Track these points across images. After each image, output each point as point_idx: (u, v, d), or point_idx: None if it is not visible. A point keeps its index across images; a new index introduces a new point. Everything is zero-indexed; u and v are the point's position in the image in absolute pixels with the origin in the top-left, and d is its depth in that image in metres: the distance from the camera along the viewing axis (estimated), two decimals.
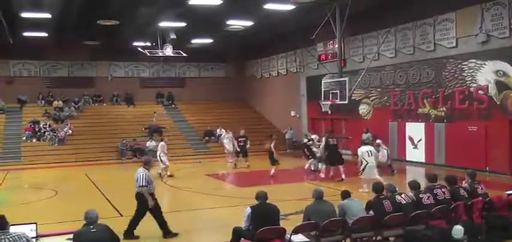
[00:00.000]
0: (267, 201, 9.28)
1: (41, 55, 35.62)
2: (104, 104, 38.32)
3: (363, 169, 17.26)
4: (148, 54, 31.07)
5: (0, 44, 30.51)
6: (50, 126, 32.93)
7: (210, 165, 26.04)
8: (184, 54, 31.61)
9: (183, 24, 26.91)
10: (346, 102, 25.17)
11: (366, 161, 17.23)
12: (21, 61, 36.42)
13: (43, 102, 36.53)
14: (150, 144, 29.57)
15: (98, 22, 26.67)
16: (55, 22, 25.44)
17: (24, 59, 36.08)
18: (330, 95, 25.78)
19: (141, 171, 11.94)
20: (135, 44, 32.17)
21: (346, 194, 9.98)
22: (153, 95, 39.58)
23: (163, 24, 27.08)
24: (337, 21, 24.45)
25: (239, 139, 25.97)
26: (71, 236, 7.87)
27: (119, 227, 10.30)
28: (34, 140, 31.27)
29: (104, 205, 16.24)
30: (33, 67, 37.30)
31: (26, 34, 28.85)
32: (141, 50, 31.51)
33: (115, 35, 30.02)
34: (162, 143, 22.73)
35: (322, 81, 26.94)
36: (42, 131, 32.27)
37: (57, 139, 31.47)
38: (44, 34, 28.81)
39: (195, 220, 14.17)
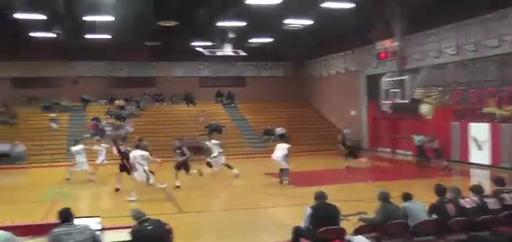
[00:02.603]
0: (327, 201, 9.20)
1: (103, 56, 36.45)
2: (164, 103, 38.90)
3: None
4: (207, 54, 31.32)
5: (67, 46, 31.45)
6: (112, 124, 33.71)
7: (270, 163, 25.95)
8: (243, 53, 31.71)
9: (242, 23, 26.99)
10: (406, 101, 24.72)
11: None
12: (85, 62, 37.38)
13: (105, 100, 37.45)
14: (209, 143, 29.76)
15: (158, 23, 27.10)
16: (117, 24, 25.95)
17: (88, 60, 36.99)
18: (390, 94, 25.39)
19: None
20: (195, 43, 32.47)
21: (408, 197, 9.74)
22: (212, 94, 39.92)
23: (222, 23, 27.22)
24: (397, 18, 24.00)
25: None
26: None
27: (177, 223, 10.37)
28: (96, 137, 32.01)
29: (163, 201, 16.47)
30: (96, 68, 38.28)
31: (89, 36, 29.57)
32: (200, 49, 31.79)
33: (175, 36, 30.40)
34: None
35: (382, 80, 26.54)
36: (105, 129, 33.02)
37: (119, 137, 32.07)
38: (107, 36, 29.44)
39: (254, 219, 14.19)
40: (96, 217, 8.70)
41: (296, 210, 11.80)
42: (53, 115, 34.53)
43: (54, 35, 28.20)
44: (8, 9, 22.61)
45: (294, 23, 27.88)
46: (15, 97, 36.36)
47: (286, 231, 9.55)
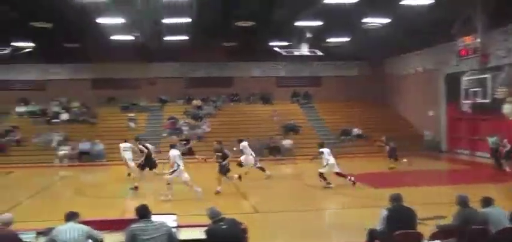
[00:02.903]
0: (403, 203, 8.99)
1: (181, 57, 37.04)
2: (241, 103, 39.23)
3: None
4: (284, 54, 31.32)
5: (145, 48, 32.27)
6: (188, 123, 34.33)
7: (346, 164, 25.63)
8: (320, 53, 31.50)
9: (318, 23, 26.79)
10: (488, 100, 23.83)
11: None
12: (163, 63, 38.16)
13: (182, 101, 38.17)
14: (286, 142, 29.81)
15: (235, 24, 27.34)
16: (194, 26, 26.34)
17: (165, 61, 37.72)
18: (471, 93, 24.57)
19: None
20: (272, 43, 32.54)
21: (488, 202, 9.33)
22: (289, 94, 39.92)
23: (299, 23, 27.12)
24: (479, 12, 23.12)
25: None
26: None
27: (253, 223, 10.40)
28: (174, 137, 32.67)
29: (240, 201, 16.60)
30: (173, 69, 39.01)
31: (167, 38, 30.19)
32: (277, 49, 31.82)
33: (251, 36, 30.55)
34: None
35: (462, 79, 25.69)
36: (181, 129, 33.68)
37: (195, 137, 32.68)
38: (184, 38, 29.95)
39: (328, 220, 14.08)
40: (172, 214, 8.87)
41: (371, 212, 11.60)
42: (131, 115, 35.53)
43: (133, 38, 29.00)
44: (91, 15, 23.48)
45: (371, 21, 27.42)
46: (95, 98, 37.79)
47: (360, 233, 9.41)
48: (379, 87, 40.01)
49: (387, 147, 26.08)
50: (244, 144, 22.80)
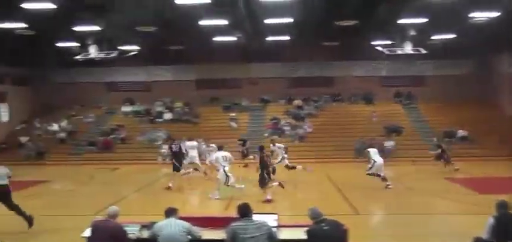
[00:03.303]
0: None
1: (282, 57, 37.10)
2: (343, 103, 38.79)
3: None
4: (386, 53, 30.65)
5: (247, 49, 32.68)
6: (290, 123, 34.41)
7: (446, 168, 24.75)
8: (424, 51, 30.51)
9: (423, 19, 25.92)
10: None
11: None
12: (264, 64, 38.35)
13: (284, 101, 38.30)
14: (389, 143, 29.20)
15: (336, 23, 27.08)
16: (296, 26, 26.36)
17: (267, 61, 37.93)
18: None
19: None
20: (374, 42, 31.91)
21: None
22: (391, 94, 39.00)
23: (403, 21, 26.37)
24: None
25: None
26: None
27: (353, 225, 10.23)
28: (275, 137, 32.78)
29: (340, 202, 16.42)
30: (275, 69, 39.10)
31: (269, 39, 30.40)
32: (379, 48, 31.18)
33: (353, 35, 30.09)
34: None
35: None
36: (283, 128, 33.81)
37: (297, 137, 32.70)
38: (286, 38, 30.03)
39: (431, 225, 13.58)
40: (273, 214, 8.89)
41: (476, 219, 11.08)
42: (233, 114, 36.06)
43: (236, 39, 29.44)
44: (194, 18, 24.08)
45: (479, 15, 26.13)
46: (198, 98, 38.72)
47: (464, 240, 9.02)
48: (487, 86, 38.07)
49: (439, 151, 25.53)
50: (280, 145, 22.92)
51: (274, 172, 19.38)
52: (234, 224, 7.63)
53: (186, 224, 8.12)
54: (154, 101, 38.85)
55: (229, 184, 17.36)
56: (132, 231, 8.70)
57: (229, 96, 38.41)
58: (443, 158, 25.12)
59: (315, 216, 7.96)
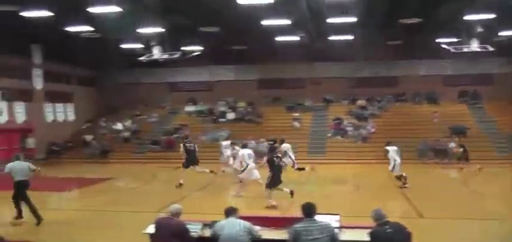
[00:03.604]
0: None
1: (345, 56, 36.60)
2: (406, 103, 37.97)
3: None
4: (452, 51, 29.79)
5: (310, 49, 32.46)
6: (353, 124, 34.01)
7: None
8: (491, 48, 29.43)
9: (491, 15, 24.98)
10: None
11: None
12: (327, 63, 37.98)
13: (347, 101, 37.88)
14: (453, 145, 28.44)
15: (400, 21, 26.57)
16: (359, 25, 26.01)
17: (330, 61, 37.53)
18: None
19: None
20: (438, 40, 31.10)
21: None
22: (456, 93, 37.84)
23: (469, 17, 25.52)
24: None
25: None
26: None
27: (417, 228, 9.92)
28: (338, 137, 32.48)
29: (403, 204, 16.04)
30: (338, 69, 38.68)
31: (332, 38, 30.13)
32: (444, 46, 30.35)
33: (417, 33, 29.48)
34: None
35: None
36: (346, 129, 33.45)
37: (360, 137, 32.27)
38: (349, 37, 29.68)
39: (499, 232, 13.02)
40: (335, 214, 8.73)
41: None
42: (295, 114, 35.89)
43: (298, 38, 29.29)
44: (257, 18, 24.11)
45: None
46: (261, 98, 38.83)
47: None
48: None
49: (461, 149, 25.21)
50: (287, 145, 22.70)
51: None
52: (297, 225, 7.54)
53: (247, 223, 8.08)
54: (216, 101, 39.19)
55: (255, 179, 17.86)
56: (194, 229, 8.76)
57: (291, 96, 38.28)
58: (465, 158, 25.09)
59: (379, 218, 7.78)
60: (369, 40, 31.84)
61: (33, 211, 13.94)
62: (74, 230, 13.54)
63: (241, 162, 18.58)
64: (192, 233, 8.57)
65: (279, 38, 29.58)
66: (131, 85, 40.82)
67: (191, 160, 21.44)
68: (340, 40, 30.43)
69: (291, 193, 16.56)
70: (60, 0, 21.13)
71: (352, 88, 38.52)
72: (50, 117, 36.22)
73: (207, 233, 8.59)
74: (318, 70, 38.62)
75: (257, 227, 8.25)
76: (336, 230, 7.91)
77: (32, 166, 14.68)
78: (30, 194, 14.11)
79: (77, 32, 27.49)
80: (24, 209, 14.15)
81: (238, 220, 8.12)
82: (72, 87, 38.98)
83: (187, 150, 21.55)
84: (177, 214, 8.58)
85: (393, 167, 19.63)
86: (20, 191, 14.19)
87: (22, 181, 14.23)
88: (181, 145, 22.32)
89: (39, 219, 13.88)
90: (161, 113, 39.67)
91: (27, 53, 33.44)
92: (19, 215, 14.26)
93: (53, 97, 36.60)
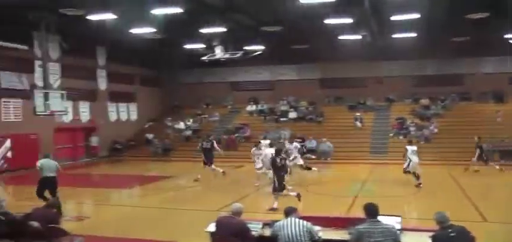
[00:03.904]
0: None
1: (408, 54, 35.74)
2: (471, 102, 36.86)
3: None
4: None
5: (372, 47, 32.02)
6: (416, 124, 33.38)
7: None
8: None
9: None
10: None
11: None
12: (390, 61, 37.39)
13: (410, 100, 37.18)
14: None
15: (466, 16, 25.83)
16: (423, 21, 25.48)
17: (392, 59, 36.95)
18: None
19: None
20: (507, 36, 30.07)
21: None
22: None
23: None
24: None
25: None
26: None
27: (482, 233, 9.64)
28: (400, 137, 31.93)
29: (466, 207, 15.64)
30: (401, 67, 37.98)
31: (395, 36, 29.65)
32: None
33: (484, 29, 28.54)
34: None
35: None
36: (409, 129, 32.88)
37: (423, 137, 31.64)
38: (412, 34, 29.12)
39: None
40: (397, 216, 8.61)
41: None
42: (357, 114, 35.51)
43: (360, 37, 28.98)
44: (319, 16, 24.02)
45: None
46: (322, 97, 38.70)
47: None
48: None
49: (477, 150, 24.23)
50: (296, 144, 22.73)
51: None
52: (360, 227, 7.42)
53: (307, 223, 8.03)
54: (277, 100, 39.25)
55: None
56: (255, 228, 8.78)
57: (353, 95, 37.95)
58: (483, 158, 24.20)
59: (442, 221, 7.57)
60: (433, 37, 31.16)
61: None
62: (134, 226, 13.86)
63: (263, 161, 19.41)
64: (253, 233, 8.57)
65: (341, 37, 29.36)
66: (193, 84, 41.46)
67: (205, 158, 22.45)
68: (403, 37, 29.88)
69: (298, 196, 15.62)
70: (124, 3, 21.66)
71: (415, 87, 37.75)
72: (113, 116, 37.26)
73: (267, 232, 8.59)
74: (380, 68, 38.05)
75: (317, 228, 8.19)
76: (397, 232, 7.77)
77: (58, 165, 16.25)
78: (94, 191, 14.54)
79: (140, 33, 28.14)
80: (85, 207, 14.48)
81: (298, 220, 8.07)
82: (135, 87, 39.89)
83: (203, 149, 22.63)
84: (238, 213, 8.64)
85: (408, 165, 20.05)
86: (47, 185, 15.64)
87: (50, 177, 15.72)
88: (199, 144, 23.51)
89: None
90: (223, 112, 40.09)
91: (92, 54, 34.51)
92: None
93: (117, 97, 37.65)
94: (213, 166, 22.45)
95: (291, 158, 20.79)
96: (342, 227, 8.46)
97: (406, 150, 20.57)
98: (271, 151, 18.36)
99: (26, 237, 9.46)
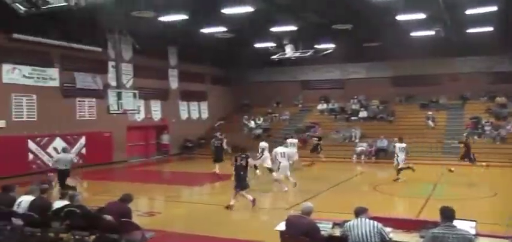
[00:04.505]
0: None
1: (484, 50, 34.33)
2: None
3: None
4: None
5: (446, 43, 31.11)
6: (491, 123, 32.28)
7: None
8: None
9: None
10: None
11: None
12: (464, 58, 36.08)
13: (485, 98, 35.94)
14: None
15: None
16: (500, 15, 24.57)
17: (467, 55, 35.64)
18: None
19: None
20: None
21: None
22: None
23: None
24: None
25: None
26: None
27: None
28: (475, 137, 30.95)
29: None
30: (476, 64, 36.60)
31: (470, 30, 28.75)
32: None
33: None
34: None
35: None
36: (484, 128, 31.86)
37: (499, 137, 30.58)
38: (489, 28, 28.13)
39: None
40: (471, 221, 8.34)
41: None
42: (430, 113, 34.63)
43: (434, 33, 28.28)
44: (390, 13, 23.63)
45: None
46: (393, 95, 38.01)
47: None
48: None
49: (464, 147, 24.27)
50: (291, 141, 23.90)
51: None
52: (434, 230, 7.20)
53: (378, 224, 7.90)
54: (348, 99, 38.90)
55: (274, 177, 19.69)
56: (325, 228, 8.72)
57: (425, 94, 36.97)
58: (468, 157, 23.85)
59: None
60: (510, 31, 29.95)
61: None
62: (203, 223, 14.03)
63: (272, 160, 20.20)
64: (322, 232, 8.51)
65: (413, 33, 28.78)
66: (263, 83, 41.62)
67: (215, 156, 24.02)
68: (478, 32, 28.87)
69: (253, 201, 15.72)
70: (194, 3, 22.02)
71: (490, 84, 36.23)
72: (184, 115, 37.94)
73: (337, 232, 8.52)
74: (453, 65, 36.79)
75: (388, 229, 8.06)
76: (472, 237, 7.52)
77: (74, 159, 18.96)
78: (165, 187, 14.80)
79: (210, 33, 28.53)
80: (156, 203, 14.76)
81: (369, 221, 7.94)
82: (205, 86, 40.42)
83: (215, 147, 24.21)
84: (308, 212, 8.61)
85: (397, 162, 21.68)
86: (62, 176, 17.55)
87: (62, 169, 17.71)
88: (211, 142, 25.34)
89: None
90: (293, 111, 40.10)
91: (163, 55, 35.32)
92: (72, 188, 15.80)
93: (188, 96, 38.28)
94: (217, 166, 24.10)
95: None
96: (413, 229, 8.30)
97: (395, 147, 22.51)
98: (281, 150, 19.97)
99: (100, 230, 9.81)
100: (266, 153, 22.39)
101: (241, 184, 15.84)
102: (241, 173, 15.94)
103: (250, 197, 15.89)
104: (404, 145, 22.07)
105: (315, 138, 31.43)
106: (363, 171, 26.21)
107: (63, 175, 17.63)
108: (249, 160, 16.98)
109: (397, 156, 21.61)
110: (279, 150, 19.88)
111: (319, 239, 8.34)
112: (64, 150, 19.07)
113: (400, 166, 21.52)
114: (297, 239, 8.28)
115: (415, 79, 37.47)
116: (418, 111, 36.24)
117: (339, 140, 33.55)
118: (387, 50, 34.49)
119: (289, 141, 24.64)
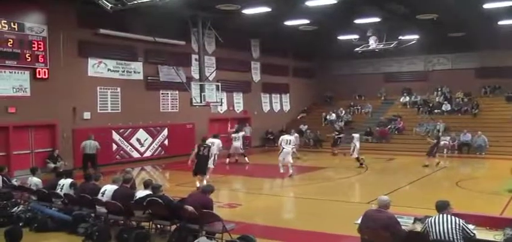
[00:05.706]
0: None
1: None
2: None
3: None
4: None
5: None
6: None
7: None
8: None
9: None
10: None
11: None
12: None
13: None
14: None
15: None
16: None
17: None
18: None
19: None
20: None
21: None
22: None
23: None
24: None
25: None
26: None
27: None
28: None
29: None
30: None
31: None
32: None
33: None
34: None
35: None
36: None
37: None
38: None
39: None
40: None
41: None
42: None
43: None
44: (478, 0, 22.85)
45: None
46: (478, 87, 36.73)
47: None
48: None
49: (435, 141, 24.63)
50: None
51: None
52: None
53: (460, 221, 7.74)
54: (431, 91, 38.03)
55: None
56: (406, 223, 8.61)
57: None
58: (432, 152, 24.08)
59: None
60: None
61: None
62: (284, 215, 14.19)
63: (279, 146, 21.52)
64: (403, 227, 8.39)
65: (501, 22, 27.66)
66: (345, 76, 41.41)
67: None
68: None
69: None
70: None
71: None
72: (266, 107, 38.23)
73: (418, 227, 8.40)
74: None
75: (471, 226, 7.87)
76: None
77: (98, 146, 22.10)
78: (247, 179, 15.05)
79: (293, 25, 28.56)
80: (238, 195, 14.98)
81: (452, 217, 7.80)
82: (287, 78, 40.48)
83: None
84: (385, 206, 8.48)
85: (353, 150, 24.12)
86: (90, 160, 21.52)
87: (90, 154, 21.72)
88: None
89: None
90: (375, 104, 39.61)
91: (246, 47, 35.69)
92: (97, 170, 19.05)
93: (270, 88, 38.51)
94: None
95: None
96: (497, 227, 8.05)
97: (353, 137, 24.64)
98: (286, 137, 21.77)
99: (182, 220, 10.11)
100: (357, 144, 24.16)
101: (199, 170, 17.76)
102: (202, 161, 17.81)
103: (205, 182, 16.87)
104: (358, 135, 25.41)
105: (336, 132, 31.02)
106: (445, 165, 25.49)
107: (90, 158, 21.62)
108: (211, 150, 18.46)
109: (355, 145, 24.17)
110: (285, 137, 21.83)
111: (399, 234, 8.21)
112: (89, 138, 22.13)
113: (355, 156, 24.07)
114: (377, 233, 8.20)
115: (501, 71, 35.73)
116: (503, 103, 34.89)
117: (421, 134, 32.75)
118: (473, 40, 33.37)
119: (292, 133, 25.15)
